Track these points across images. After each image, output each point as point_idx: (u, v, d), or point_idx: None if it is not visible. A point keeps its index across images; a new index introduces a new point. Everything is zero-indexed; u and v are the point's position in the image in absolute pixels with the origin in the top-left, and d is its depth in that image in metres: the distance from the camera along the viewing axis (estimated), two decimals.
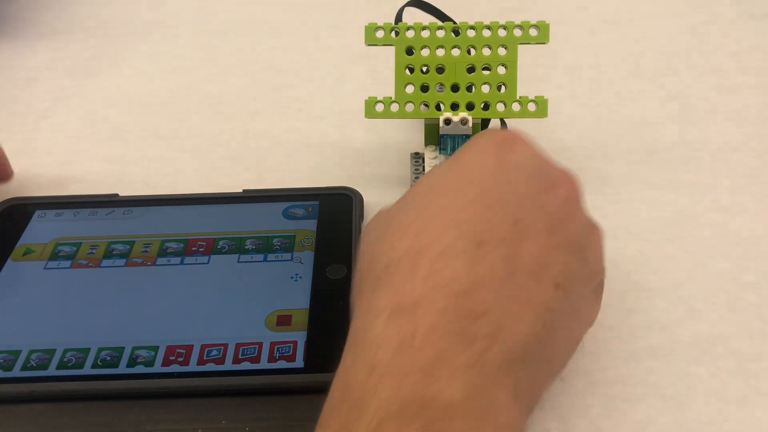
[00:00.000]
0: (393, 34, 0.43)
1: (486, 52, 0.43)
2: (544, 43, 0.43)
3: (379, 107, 0.43)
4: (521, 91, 0.43)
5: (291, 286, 0.39)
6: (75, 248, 0.42)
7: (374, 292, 0.27)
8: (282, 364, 0.35)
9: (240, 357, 0.35)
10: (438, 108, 0.43)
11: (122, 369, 0.35)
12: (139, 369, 0.35)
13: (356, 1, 0.68)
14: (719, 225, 0.44)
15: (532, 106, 0.43)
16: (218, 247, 0.42)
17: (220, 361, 0.35)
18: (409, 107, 0.43)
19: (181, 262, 0.41)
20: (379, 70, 0.58)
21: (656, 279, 0.41)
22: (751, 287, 0.40)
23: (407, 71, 0.43)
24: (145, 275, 0.40)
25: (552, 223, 0.30)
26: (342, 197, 0.45)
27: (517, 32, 0.43)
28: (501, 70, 0.43)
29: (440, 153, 0.44)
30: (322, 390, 0.34)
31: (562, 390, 0.35)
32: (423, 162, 0.45)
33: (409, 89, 0.43)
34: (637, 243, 0.43)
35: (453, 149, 0.44)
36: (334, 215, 0.44)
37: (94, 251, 0.42)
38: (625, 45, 0.61)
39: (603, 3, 0.67)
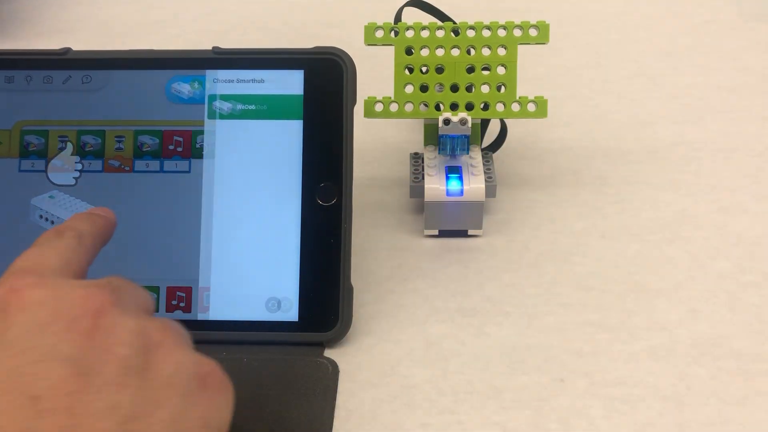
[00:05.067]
0: (392, 34, 0.43)
1: (486, 52, 0.43)
2: (544, 43, 0.43)
3: (379, 107, 0.43)
4: (521, 91, 0.43)
5: (279, 211, 0.38)
6: (44, 139, 0.40)
7: None
8: (278, 316, 0.37)
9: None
10: (437, 108, 0.43)
11: None
12: None
13: (356, 1, 0.68)
14: (719, 225, 0.44)
15: (531, 107, 0.43)
16: (197, 146, 0.39)
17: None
18: (409, 107, 0.43)
19: (161, 169, 0.39)
20: (380, 70, 0.58)
21: (656, 279, 0.41)
22: (751, 287, 0.40)
23: (406, 71, 0.43)
24: (125, 187, 0.39)
25: None
26: (330, 63, 0.39)
27: (517, 32, 0.43)
28: (500, 70, 0.43)
29: (439, 153, 0.44)
30: (317, 343, 0.37)
31: (562, 391, 0.35)
32: (422, 162, 0.45)
33: (409, 89, 0.43)
34: (637, 243, 0.43)
35: (452, 149, 0.44)
36: (321, 97, 0.39)
37: (65, 145, 0.39)
38: (625, 45, 0.61)
39: (603, 3, 0.67)
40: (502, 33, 0.43)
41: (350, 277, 0.38)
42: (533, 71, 0.58)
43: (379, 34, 0.43)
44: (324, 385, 0.35)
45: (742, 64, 0.58)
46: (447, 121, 0.42)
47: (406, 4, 0.49)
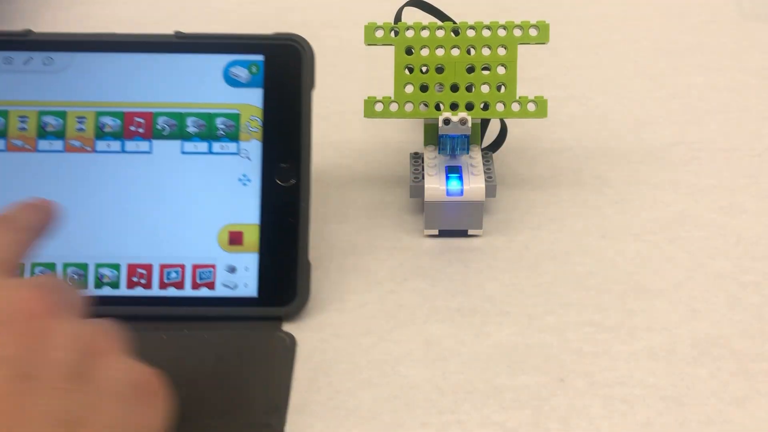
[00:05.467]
0: (392, 33, 0.43)
1: (485, 52, 0.43)
2: (544, 43, 0.43)
3: (379, 107, 0.43)
4: (521, 91, 0.43)
5: (240, 193, 0.40)
6: (4, 120, 0.40)
7: None
8: (238, 292, 0.39)
9: (198, 282, 0.39)
10: (437, 108, 0.43)
11: (90, 291, 0.38)
12: (106, 291, 0.38)
13: (356, 1, 0.68)
14: (719, 225, 0.44)
15: (531, 107, 0.43)
16: (158, 127, 0.40)
17: (180, 285, 0.39)
18: (409, 107, 0.43)
19: (122, 149, 0.40)
20: (380, 70, 0.58)
21: (656, 279, 0.41)
22: (751, 287, 0.40)
23: (406, 71, 0.43)
24: (86, 167, 0.40)
25: None
26: (289, 49, 0.41)
27: (517, 32, 0.43)
28: (500, 70, 0.43)
29: (439, 153, 0.44)
30: (275, 318, 0.39)
31: (562, 390, 0.35)
32: (422, 162, 0.45)
33: (409, 89, 0.43)
34: (637, 243, 0.43)
35: (452, 149, 0.44)
36: (280, 82, 0.41)
37: (26, 125, 0.40)
38: (625, 45, 0.61)
39: (603, 3, 0.67)
40: (502, 33, 0.43)
41: (308, 254, 0.39)
42: (533, 71, 0.58)
43: (379, 34, 0.43)
44: (282, 356, 0.37)
45: (742, 64, 0.58)
46: (447, 121, 0.42)
47: (406, 4, 0.49)
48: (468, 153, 0.44)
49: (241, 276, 0.39)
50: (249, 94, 0.41)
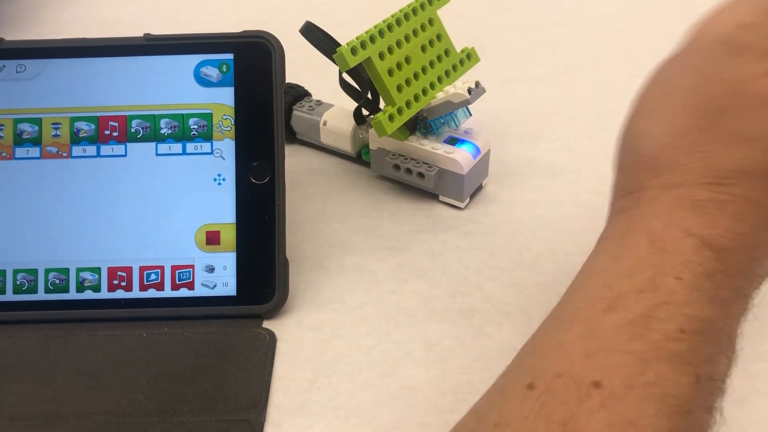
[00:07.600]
0: (362, 47, 0.41)
1: (424, 30, 0.45)
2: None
3: (390, 120, 0.42)
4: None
5: (215, 192, 0.40)
6: None
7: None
8: (217, 291, 0.39)
9: (177, 283, 0.39)
10: (424, 93, 0.44)
11: (72, 295, 0.39)
12: (88, 294, 0.39)
13: (355, 2, 0.68)
14: None
15: (468, 58, 0.47)
16: (132, 130, 0.40)
17: (160, 286, 0.39)
18: (409, 105, 0.43)
19: (98, 153, 0.40)
20: None
21: None
22: None
23: (389, 75, 0.43)
24: (63, 172, 0.40)
25: None
26: (258, 47, 0.41)
27: (431, 4, 0.45)
28: (440, 40, 0.45)
29: (434, 132, 0.45)
30: (255, 315, 0.39)
31: None
32: (414, 158, 0.45)
33: (399, 89, 0.43)
34: None
35: (439, 127, 0.45)
36: (251, 80, 0.41)
37: (2, 134, 0.40)
38: (625, 45, 0.61)
39: (603, 3, 0.67)
40: (422, 10, 0.44)
41: (285, 251, 0.39)
42: (533, 71, 0.58)
43: (354, 53, 0.41)
44: (262, 353, 0.37)
45: None
46: (470, 90, 0.43)
47: (306, 34, 0.46)
48: (458, 126, 0.46)
49: (219, 275, 0.39)
50: (220, 94, 0.41)
